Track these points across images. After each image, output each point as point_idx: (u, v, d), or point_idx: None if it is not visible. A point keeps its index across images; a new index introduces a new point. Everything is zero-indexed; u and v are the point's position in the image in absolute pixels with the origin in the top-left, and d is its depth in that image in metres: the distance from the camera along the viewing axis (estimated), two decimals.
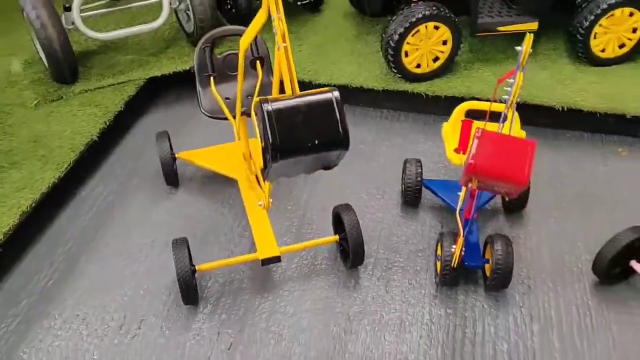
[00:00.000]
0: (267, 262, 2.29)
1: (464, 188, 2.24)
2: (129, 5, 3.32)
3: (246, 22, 2.21)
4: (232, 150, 2.82)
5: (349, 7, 3.82)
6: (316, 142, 1.57)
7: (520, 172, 1.64)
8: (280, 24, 1.64)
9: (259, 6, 1.75)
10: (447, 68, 3.17)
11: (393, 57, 3.05)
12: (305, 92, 1.64)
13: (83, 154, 2.77)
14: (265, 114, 1.54)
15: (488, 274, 2.28)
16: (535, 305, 2.26)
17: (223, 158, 2.79)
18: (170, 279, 2.37)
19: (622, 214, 2.55)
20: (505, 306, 2.26)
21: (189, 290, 2.19)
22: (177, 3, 3.32)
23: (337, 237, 2.40)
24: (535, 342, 2.13)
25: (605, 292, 2.30)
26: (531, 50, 1.68)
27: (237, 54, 2.45)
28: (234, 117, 2.35)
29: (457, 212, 2.21)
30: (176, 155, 2.75)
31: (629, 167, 2.89)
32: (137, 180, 2.89)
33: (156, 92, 3.37)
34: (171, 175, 2.77)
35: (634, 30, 3.16)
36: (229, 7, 3.47)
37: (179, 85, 3.36)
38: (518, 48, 1.65)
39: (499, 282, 2.24)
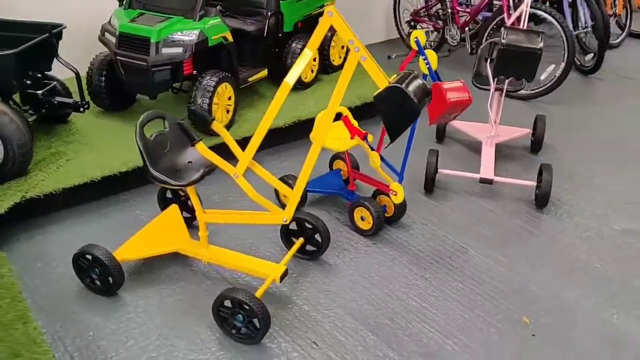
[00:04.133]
0: (282, 277, 2.72)
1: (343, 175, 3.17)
2: None
3: None
4: (152, 231, 2.96)
5: (95, 111, 4.06)
6: (425, 98, 2.32)
7: (468, 96, 2.73)
8: (360, 43, 2.29)
9: None
10: (234, 117, 3.95)
11: None
12: (395, 78, 2.35)
13: None
14: (403, 88, 2.22)
15: (390, 213, 3.30)
16: (419, 220, 3.42)
17: (153, 241, 2.91)
18: (216, 344, 2.53)
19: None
20: (409, 227, 3.34)
21: (267, 316, 2.47)
22: None
23: (302, 239, 2.99)
24: (438, 231, 3.31)
25: (432, 195, 3.66)
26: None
27: (163, 134, 2.74)
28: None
29: (379, 166, 3.12)
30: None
31: None
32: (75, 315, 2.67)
33: None
34: (120, 280, 2.72)
35: (315, 60, 4.63)
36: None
37: None
38: (414, 38, 2.76)
39: (402, 212, 3.32)
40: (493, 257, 3.13)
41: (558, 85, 4.89)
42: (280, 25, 4.34)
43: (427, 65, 2.76)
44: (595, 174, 3.95)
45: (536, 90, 4.97)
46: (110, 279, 2.71)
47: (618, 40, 6.44)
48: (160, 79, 3.68)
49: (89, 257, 2.70)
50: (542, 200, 3.47)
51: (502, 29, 3.04)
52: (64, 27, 3.65)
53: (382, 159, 3.10)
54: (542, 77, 4.99)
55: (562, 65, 4.80)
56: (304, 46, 4.43)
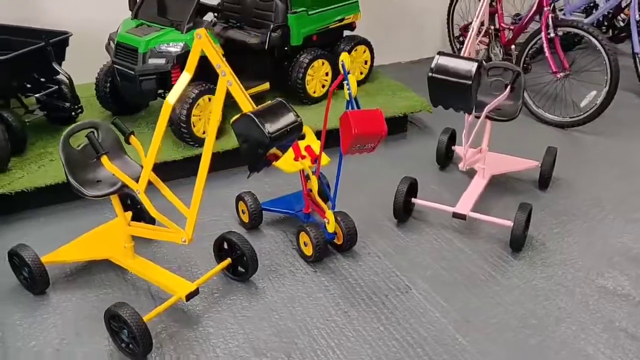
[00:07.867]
0: (190, 296, 2.68)
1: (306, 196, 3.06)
2: None
3: None
4: (92, 237, 3.07)
5: (105, 114, 4.27)
6: (287, 128, 2.23)
7: (382, 127, 2.54)
8: (227, 67, 2.25)
9: None
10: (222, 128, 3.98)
11: (186, 130, 3.71)
12: (260, 106, 2.33)
13: None
14: (253, 117, 2.15)
15: (340, 241, 3.13)
16: (375, 251, 3.20)
17: (87, 246, 3.01)
18: (107, 356, 2.55)
19: (377, 192, 3.72)
20: (361, 257, 3.14)
21: (147, 338, 2.45)
22: None
23: (229, 260, 2.93)
24: (389, 265, 3.07)
25: (403, 226, 3.41)
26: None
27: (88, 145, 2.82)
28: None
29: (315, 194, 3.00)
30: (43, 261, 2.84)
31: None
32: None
33: None
34: (44, 282, 2.85)
35: (327, 74, 4.52)
36: None
37: None
38: (340, 62, 2.60)
39: (352, 242, 3.13)
40: (435, 301, 2.85)
41: (599, 113, 4.34)
42: (287, 38, 4.29)
43: (348, 91, 2.57)
44: (602, 220, 3.45)
45: (575, 119, 4.46)
46: (35, 279, 2.84)
47: None
48: (148, 88, 3.79)
49: (19, 256, 2.85)
50: (515, 243, 3.10)
51: (436, 54, 2.73)
52: (70, 35, 3.90)
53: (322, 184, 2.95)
54: (582, 104, 4.46)
55: (605, 90, 4.26)
56: (312, 60, 4.36)
